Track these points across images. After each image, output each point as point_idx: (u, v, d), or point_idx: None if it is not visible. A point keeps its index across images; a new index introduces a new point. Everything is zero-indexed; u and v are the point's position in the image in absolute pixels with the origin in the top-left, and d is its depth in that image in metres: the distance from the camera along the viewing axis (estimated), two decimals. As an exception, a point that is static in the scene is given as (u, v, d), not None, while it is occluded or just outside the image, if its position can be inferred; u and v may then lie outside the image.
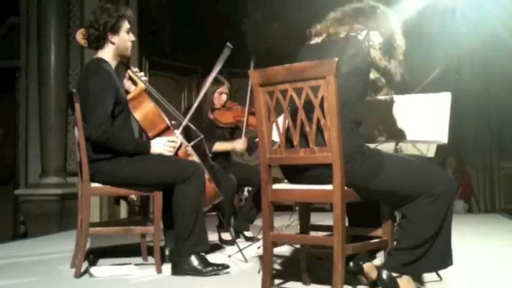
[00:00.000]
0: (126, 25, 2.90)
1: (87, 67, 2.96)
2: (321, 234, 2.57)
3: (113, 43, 2.88)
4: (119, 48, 2.91)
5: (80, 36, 3.03)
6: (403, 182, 2.11)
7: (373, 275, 2.35)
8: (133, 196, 5.71)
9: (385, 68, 2.23)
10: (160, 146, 2.90)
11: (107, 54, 2.90)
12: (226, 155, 4.10)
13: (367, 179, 2.10)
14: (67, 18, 5.99)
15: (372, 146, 2.73)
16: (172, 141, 2.94)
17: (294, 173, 2.25)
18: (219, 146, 3.93)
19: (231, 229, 3.93)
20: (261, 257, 2.62)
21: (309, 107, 2.09)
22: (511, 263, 3.06)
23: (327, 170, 2.05)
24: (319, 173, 2.12)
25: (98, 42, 2.88)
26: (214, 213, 3.67)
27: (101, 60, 2.87)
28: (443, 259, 2.15)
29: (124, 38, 2.90)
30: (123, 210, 6.33)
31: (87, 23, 2.89)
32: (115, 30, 2.86)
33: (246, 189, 4.28)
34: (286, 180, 2.34)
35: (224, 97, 4.04)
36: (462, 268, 2.75)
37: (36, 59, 5.98)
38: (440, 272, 2.47)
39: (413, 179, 2.12)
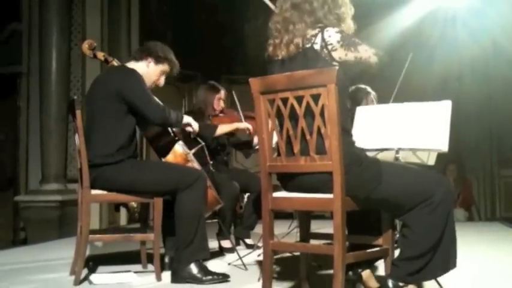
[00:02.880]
0: (165, 67, 3.08)
1: (122, 70, 2.99)
2: (321, 242, 2.57)
3: (147, 66, 3.04)
4: (145, 75, 2.99)
5: (85, 46, 3.16)
6: (402, 191, 2.09)
7: (372, 283, 2.34)
8: (133, 203, 5.71)
9: (355, 59, 2.11)
10: (190, 119, 3.09)
11: (138, 70, 2.98)
12: (225, 161, 4.11)
13: (366, 189, 2.09)
14: (69, 24, 6.00)
15: (371, 154, 2.72)
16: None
17: (290, 182, 2.24)
18: (221, 130, 3.83)
19: (231, 236, 3.92)
20: (261, 265, 2.62)
21: (308, 115, 2.09)
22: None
23: (326, 180, 2.05)
24: (317, 183, 2.11)
25: (138, 54, 3.08)
26: (215, 220, 3.67)
27: (134, 70, 2.96)
28: (446, 265, 2.14)
29: (155, 72, 3.06)
30: (123, 217, 6.32)
31: (147, 43, 3.14)
32: (156, 61, 3.04)
33: (245, 196, 4.28)
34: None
35: (222, 103, 4.11)
36: (463, 277, 2.74)
37: (38, 65, 5.98)
38: (441, 280, 2.46)
39: (412, 187, 2.10)
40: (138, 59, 3.06)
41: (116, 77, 2.92)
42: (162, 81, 3.11)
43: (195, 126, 3.09)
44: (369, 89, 4.00)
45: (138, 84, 2.89)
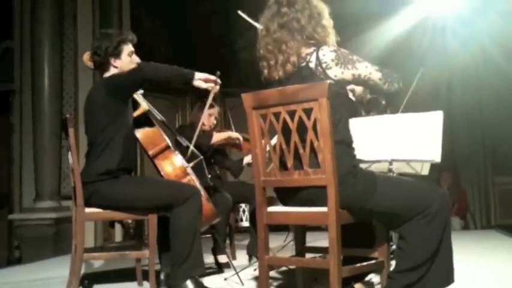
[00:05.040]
0: (128, 48, 2.96)
1: (101, 81, 2.97)
2: (317, 255, 2.56)
3: (115, 67, 2.93)
4: (121, 70, 2.92)
5: (86, 58, 3.10)
6: (397, 203, 2.10)
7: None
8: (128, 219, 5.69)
9: (353, 77, 2.11)
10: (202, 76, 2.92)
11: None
12: (218, 176, 4.11)
13: (361, 201, 2.09)
14: (60, 41, 6.01)
15: (364, 166, 2.73)
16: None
17: (287, 195, 2.25)
18: (217, 137, 3.92)
19: (228, 251, 3.89)
20: (257, 280, 2.60)
21: (301, 129, 2.10)
22: (509, 280, 3.05)
23: (321, 192, 2.05)
24: (312, 196, 2.11)
25: (102, 67, 2.95)
26: (209, 235, 3.65)
27: (110, 75, 2.92)
28: (445, 277, 2.12)
29: (126, 61, 2.94)
30: (118, 233, 6.28)
31: (92, 49, 2.95)
32: (116, 54, 2.92)
33: (241, 209, 4.27)
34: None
35: (213, 120, 4.07)
36: (459, 285, 2.74)
37: (30, 83, 5.97)
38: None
39: (408, 199, 2.10)
40: (106, 70, 2.95)
41: (97, 91, 2.90)
42: (137, 59, 2.99)
43: (212, 79, 2.93)
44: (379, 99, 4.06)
45: (117, 75, 2.86)
